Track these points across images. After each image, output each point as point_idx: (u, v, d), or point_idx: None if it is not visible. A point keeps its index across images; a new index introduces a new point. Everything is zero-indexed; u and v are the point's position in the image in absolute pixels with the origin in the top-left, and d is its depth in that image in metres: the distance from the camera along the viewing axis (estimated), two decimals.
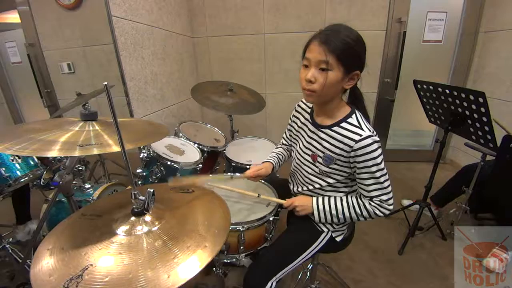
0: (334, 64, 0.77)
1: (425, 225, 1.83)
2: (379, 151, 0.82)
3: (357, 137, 0.82)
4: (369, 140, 0.81)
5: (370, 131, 0.83)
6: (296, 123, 1.07)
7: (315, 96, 0.84)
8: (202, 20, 2.80)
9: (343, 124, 0.87)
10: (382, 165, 0.83)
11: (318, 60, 0.78)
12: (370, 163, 0.82)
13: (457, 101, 1.39)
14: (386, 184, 0.85)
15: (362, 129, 0.84)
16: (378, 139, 0.82)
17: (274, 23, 2.68)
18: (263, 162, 1.16)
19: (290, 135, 1.14)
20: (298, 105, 1.08)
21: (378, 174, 0.83)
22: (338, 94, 0.87)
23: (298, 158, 1.03)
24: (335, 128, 0.88)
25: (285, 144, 1.25)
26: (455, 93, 1.38)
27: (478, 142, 1.43)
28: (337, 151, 0.87)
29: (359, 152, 0.82)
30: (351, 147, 0.83)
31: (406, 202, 2.04)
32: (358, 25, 2.64)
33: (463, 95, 1.34)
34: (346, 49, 0.77)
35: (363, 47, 0.82)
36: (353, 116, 0.88)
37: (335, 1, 2.54)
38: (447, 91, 1.42)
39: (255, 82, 2.86)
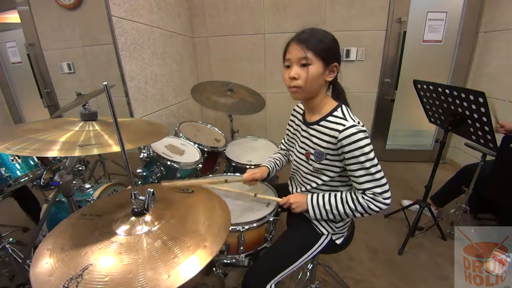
0: (313, 59, 0.83)
1: (425, 225, 1.83)
2: (367, 141, 0.82)
3: (340, 127, 0.84)
4: (353, 129, 0.81)
5: (354, 121, 0.85)
6: (292, 126, 1.11)
7: (300, 92, 0.88)
8: (202, 20, 2.80)
9: (329, 118, 0.89)
10: (371, 155, 0.82)
11: (298, 57, 0.84)
12: (357, 152, 0.82)
13: (457, 101, 1.39)
14: (378, 175, 0.84)
15: (346, 119, 0.86)
16: (363, 129, 0.83)
17: (274, 23, 2.68)
18: (260, 166, 1.18)
19: (288, 139, 1.16)
20: (294, 109, 1.11)
21: (367, 164, 0.83)
22: (322, 88, 0.91)
23: (295, 160, 1.04)
24: (322, 123, 0.90)
25: (284, 149, 1.26)
26: (455, 93, 1.38)
27: (478, 142, 1.43)
28: (325, 144, 0.89)
29: (345, 141, 0.82)
30: (336, 138, 0.84)
31: (406, 202, 2.04)
32: (358, 25, 2.68)
33: (463, 95, 1.34)
34: (322, 45, 0.84)
35: (337, 44, 0.88)
36: (339, 109, 0.89)
37: (335, 1, 2.54)
38: (447, 91, 1.42)
39: (255, 82, 2.86)
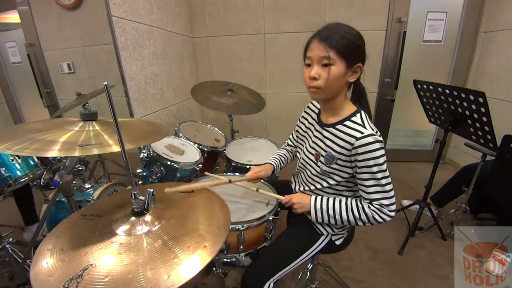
0: (335, 59, 0.79)
1: (425, 225, 1.83)
2: (382, 151, 0.80)
3: (358, 135, 0.81)
4: (370, 139, 0.79)
5: (373, 130, 0.82)
6: (304, 124, 1.08)
7: (320, 92, 0.84)
8: (202, 20, 2.80)
9: (347, 123, 0.86)
10: (384, 167, 0.81)
11: (319, 56, 0.80)
12: (371, 162, 0.80)
13: (457, 101, 1.39)
14: (387, 187, 0.83)
15: (364, 127, 0.83)
16: (381, 139, 0.81)
17: (274, 23, 2.68)
18: (264, 163, 1.17)
19: (297, 136, 1.13)
20: (308, 107, 1.08)
21: (379, 175, 0.81)
22: (342, 89, 0.87)
23: (303, 158, 1.03)
24: (339, 126, 0.88)
25: (290, 145, 1.24)
26: (455, 93, 1.38)
27: (478, 142, 1.43)
28: (338, 149, 0.87)
29: (360, 150, 0.81)
30: (352, 144, 0.82)
31: (406, 202, 2.05)
32: (358, 25, 2.61)
33: (463, 95, 1.34)
34: (346, 44, 0.79)
35: (362, 41, 0.84)
36: (358, 115, 0.87)
37: (335, 1, 2.54)
38: (447, 91, 1.42)
39: (255, 82, 2.86)
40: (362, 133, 0.81)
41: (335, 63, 0.79)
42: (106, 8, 1.57)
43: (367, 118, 0.87)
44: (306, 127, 1.06)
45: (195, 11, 2.77)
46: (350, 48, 0.79)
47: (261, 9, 2.66)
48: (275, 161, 1.17)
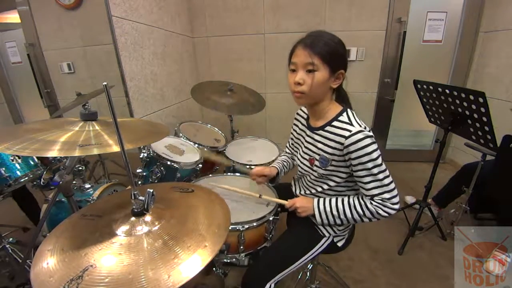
0: (319, 65, 0.81)
1: (425, 225, 1.84)
2: (374, 146, 0.80)
3: (347, 133, 0.82)
4: (359, 135, 0.80)
5: (361, 126, 0.83)
6: (296, 131, 1.09)
7: (304, 97, 0.86)
8: (202, 20, 2.80)
9: (334, 123, 0.88)
10: (379, 161, 0.81)
11: (304, 62, 0.82)
12: (364, 159, 0.80)
13: (457, 101, 1.39)
14: (386, 181, 0.83)
15: (352, 125, 0.84)
16: (370, 134, 0.81)
17: (274, 23, 2.68)
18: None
19: (292, 144, 1.15)
20: (297, 113, 1.10)
21: (375, 170, 0.82)
22: (327, 94, 0.89)
23: (299, 165, 1.03)
24: (327, 128, 0.89)
25: (288, 153, 1.25)
26: (455, 93, 1.38)
27: (478, 142, 1.43)
28: (330, 150, 0.87)
29: (351, 148, 0.81)
30: (342, 144, 0.83)
31: (409, 199, 2.07)
32: (358, 25, 2.68)
33: (463, 95, 1.34)
34: (330, 51, 0.81)
35: (344, 49, 0.86)
36: (344, 114, 0.88)
37: (335, 1, 2.54)
38: (447, 91, 1.42)
39: (255, 82, 2.86)
40: (350, 131, 0.82)
41: (319, 69, 0.81)
42: (106, 8, 1.57)
43: (354, 115, 0.88)
44: (297, 133, 1.08)
45: (195, 11, 2.77)
46: (333, 55, 0.82)
47: (261, 9, 2.66)
48: (278, 165, 1.18)
